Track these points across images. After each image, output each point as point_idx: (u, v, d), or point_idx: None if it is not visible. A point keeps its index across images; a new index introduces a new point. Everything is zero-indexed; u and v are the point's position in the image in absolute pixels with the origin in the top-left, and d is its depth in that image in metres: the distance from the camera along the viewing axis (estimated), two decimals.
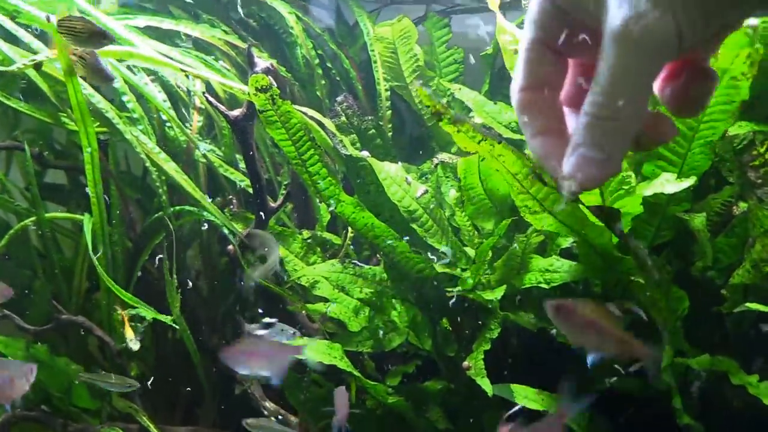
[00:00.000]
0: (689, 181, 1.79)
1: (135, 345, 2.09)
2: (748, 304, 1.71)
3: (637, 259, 1.65)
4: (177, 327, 2.24)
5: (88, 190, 2.02)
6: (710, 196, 2.26)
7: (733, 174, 2.03)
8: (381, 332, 2.38)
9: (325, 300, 2.48)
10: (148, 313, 2.12)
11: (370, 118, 2.23)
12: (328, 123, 2.23)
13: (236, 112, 2.12)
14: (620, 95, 0.61)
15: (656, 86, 0.72)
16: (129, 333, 2.09)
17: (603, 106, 0.62)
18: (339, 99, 2.27)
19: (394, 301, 2.42)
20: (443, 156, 2.32)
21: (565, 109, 0.73)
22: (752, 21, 1.90)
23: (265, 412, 2.48)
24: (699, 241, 2.14)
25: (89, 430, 2.38)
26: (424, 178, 2.44)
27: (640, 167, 2.02)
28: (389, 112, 2.60)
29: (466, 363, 2.04)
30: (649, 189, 1.85)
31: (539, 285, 1.96)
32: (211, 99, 2.14)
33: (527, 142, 0.71)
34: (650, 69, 0.62)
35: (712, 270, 2.21)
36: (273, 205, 2.28)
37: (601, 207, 1.60)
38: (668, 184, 1.81)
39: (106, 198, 2.33)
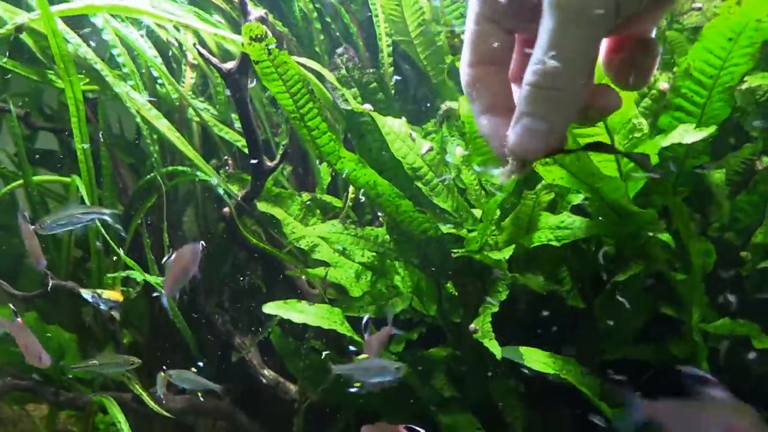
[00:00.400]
0: (709, 130, 1.69)
1: (115, 311, 2.00)
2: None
3: (674, 207, 1.53)
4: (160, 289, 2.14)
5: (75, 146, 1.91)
6: (730, 154, 2.15)
7: (755, 128, 1.92)
8: (384, 297, 2.29)
9: (326, 264, 2.39)
10: (139, 274, 2.03)
11: (371, 71, 2.11)
12: (328, 75, 2.11)
13: (229, 65, 2.00)
14: (560, 63, 0.60)
15: (601, 58, 0.71)
16: (113, 295, 1.99)
17: (543, 75, 0.61)
18: (339, 51, 2.15)
19: (397, 264, 2.32)
20: (450, 104, 2.20)
21: (513, 86, 0.72)
22: (663, 85, 1.82)
23: (264, 380, 2.39)
24: (717, 199, 2.03)
25: (81, 399, 2.30)
26: (428, 137, 2.33)
27: (656, 119, 1.91)
28: (391, 69, 2.48)
29: (472, 326, 1.95)
30: (666, 140, 1.74)
31: (549, 243, 1.86)
32: (202, 51, 2.02)
33: (475, 120, 0.70)
34: (589, 37, 0.61)
35: (730, 231, 2.11)
36: (270, 164, 2.17)
37: (630, 153, 1.50)
38: (687, 134, 1.70)
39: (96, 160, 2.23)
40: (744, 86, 1.90)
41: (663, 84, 1.78)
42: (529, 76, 0.62)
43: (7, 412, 2.76)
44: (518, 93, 0.69)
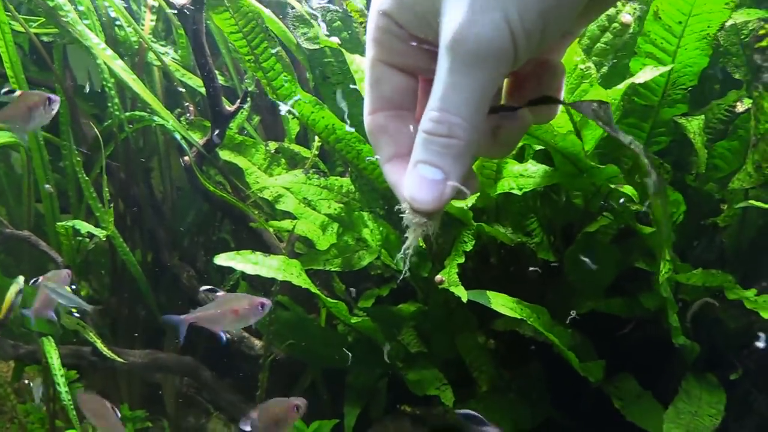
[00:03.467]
0: (665, 68, 1.58)
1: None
2: (751, 201, 1.51)
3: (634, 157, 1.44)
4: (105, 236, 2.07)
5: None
6: (714, 101, 2.04)
7: (739, 69, 1.81)
8: (351, 250, 2.20)
9: (292, 217, 2.31)
10: (82, 226, 1.95)
11: (335, 8, 2.00)
12: (298, 6, 1.99)
13: (183, 0, 1.90)
14: (454, 110, 0.57)
15: (504, 96, 0.69)
16: None
17: (437, 122, 0.58)
18: None
19: (366, 217, 2.24)
20: None
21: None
22: (626, 17, 1.69)
23: (228, 336, 2.33)
24: (696, 147, 1.93)
25: (40, 351, 2.24)
26: None
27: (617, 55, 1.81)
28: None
29: (438, 276, 1.86)
30: (621, 84, 1.64)
31: (511, 191, 1.77)
32: None
33: (381, 169, 0.67)
34: (485, 80, 0.57)
35: (711, 182, 2.01)
36: (230, 109, 2.07)
37: (590, 102, 1.40)
38: (643, 73, 1.59)
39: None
40: (728, 23, 1.79)
41: (625, 16, 1.67)
42: (424, 123, 0.59)
43: None
44: None
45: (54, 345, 1.94)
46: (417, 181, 0.60)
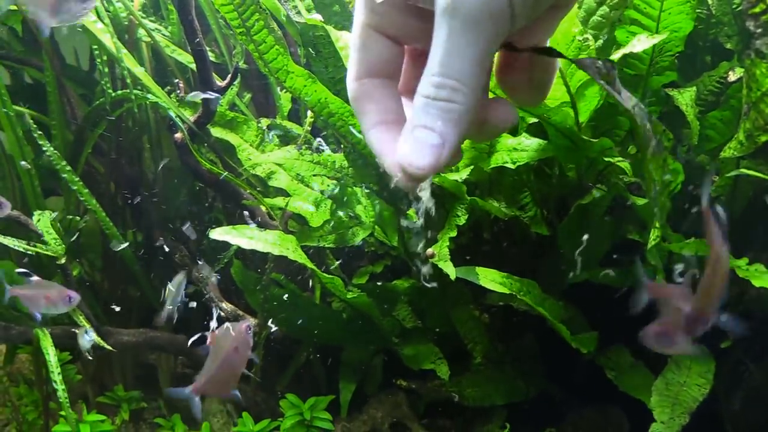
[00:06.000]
0: (659, 36, 1.58)
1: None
2: (742, 169, 1.52)
3: (632, 120, 1.44)
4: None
5: None
6: (705, 73, 2.05)
7: (731, 39, 1.81)
8: (345, 226, 2.20)
9: (285, 194, 2.30)
10: (45, 227, 1.94)
11: None
12: None
13: None
14: (455, 75, 0.57)
15: (495, 74, 0.70)
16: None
17: (439, 86, 0.58)
18: None
19: (359, 193, 2.23)
20: None
21: (403, 100, 0.69)
22: None
23: (222, 313, 2.32)
24: (688, 119, 1.94)
25: (32, 332, 2.22)
26: None
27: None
28: None
29: (430, 250, 1.87)
30: (617, 52, 1.64)
31: (505, 164, 1.77)
32: None
33: (364, 135, 0.67)
34: (484, 43, 0.57)
35: (703, 154, 2.02)
36: (221, 84, 2.05)
37: (594, 59, 1.39)
38: (638, 43, 1.60)
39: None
40: None
41: None
42: (423, 87, 0.59)
43: None
44: (408, 107, 0.67)
45: (48, 336, 1.94)
46: (414, 146, 0.60)
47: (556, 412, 2.19)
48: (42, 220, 2.06)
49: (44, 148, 2.05)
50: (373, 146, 0.67)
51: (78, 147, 2.36)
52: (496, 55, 0.70)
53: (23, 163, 2.07)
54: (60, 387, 1.98)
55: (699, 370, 1.83)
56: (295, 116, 2.53)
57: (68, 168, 2.10)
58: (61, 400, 2.00)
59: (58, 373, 2.03)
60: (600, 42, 1.73)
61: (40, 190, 2.29)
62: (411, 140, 0.60)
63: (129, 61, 2.06)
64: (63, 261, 1.97)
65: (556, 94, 1.68)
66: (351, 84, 0.68)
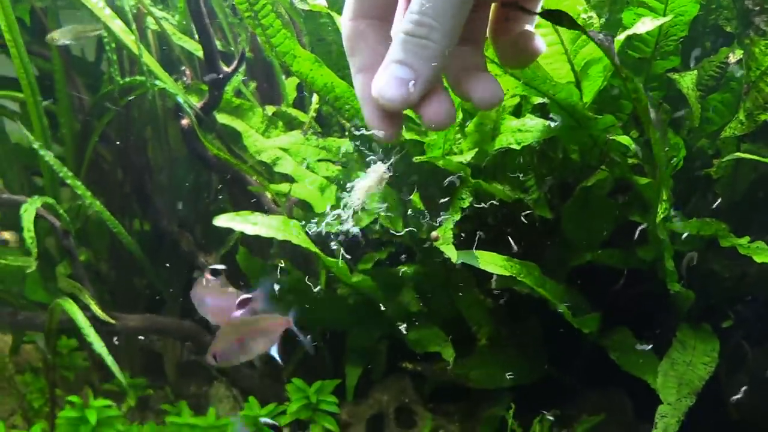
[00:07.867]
0: (664, 19, 1.60)
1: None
2: (739, 153, 1.54)
3: (634, 93, 1.46)
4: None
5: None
6: (705, 59, 2.07)
7: (730, 22, 1.84)
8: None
9: (291, 181, 2.32)
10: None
11: None
12: None
13: None
14: (433, 15, 0.61)
15: (489, 35, 0.73)
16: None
17: (418, 24, 0.61)
18: None
19: None
20: None
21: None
22: None
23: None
24: (689, 103, 1.96)
25: (40, 318, 2.24)
26: None
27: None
28: None
29: (434, 233, 1.89)
30: (622, 34, 1.66)
31: (510, 146, 1.79)
32: None
33: (352, 77, 0.70)
34: None
35: (704, 137, 2.04)
36: (227, 70, 2.08)
37: (592, 31, 1.41)
38: (642, 25, 1.62)
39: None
40: None
41: None
42: (404, 24, 0.62)
43: None
44: None
45: (73, 303, 1.94)
46: (388, 79, 0.63)
47: (561, 395, 2.21)
48: (28, 211, 1.99)
49: (41, 153, 2.04)
50: (357, 91, 0.71)
51: (85, 135, 2.38)
52: (491, 13, 0.73)
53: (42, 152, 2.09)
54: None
55: (704, 348, 1.85)
56: (300, 105, 2.56)
57: (70, 174, 2.10)
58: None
59: (102, 345, 2.00)
60: (602, 21, 1.76)
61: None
62: (386, 74, 0.64)
63: (135, 47, 2.08)
64: (33, 268, 1.95)
65: (561, 73, 1.70)
66: (347, 23, 0.71)
